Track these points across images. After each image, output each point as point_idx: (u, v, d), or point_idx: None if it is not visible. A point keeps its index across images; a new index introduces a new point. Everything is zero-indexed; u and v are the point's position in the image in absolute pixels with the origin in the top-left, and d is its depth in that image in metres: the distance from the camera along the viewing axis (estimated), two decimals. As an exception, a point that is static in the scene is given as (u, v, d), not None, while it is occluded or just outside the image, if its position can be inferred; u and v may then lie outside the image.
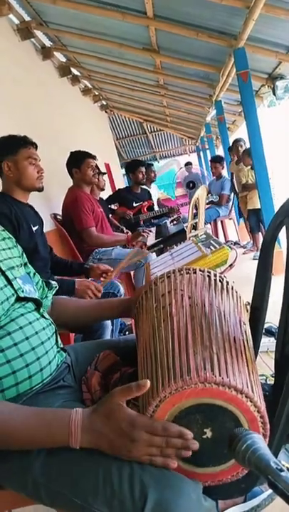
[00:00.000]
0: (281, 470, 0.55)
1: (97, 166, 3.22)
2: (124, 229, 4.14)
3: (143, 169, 4.46)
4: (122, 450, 0.72)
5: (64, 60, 5.40)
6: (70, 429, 0.73)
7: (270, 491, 1.25)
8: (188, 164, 9.71)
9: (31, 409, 0.80)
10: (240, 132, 6.82)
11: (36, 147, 2.02)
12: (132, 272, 3.30)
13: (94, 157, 3.14)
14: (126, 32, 4.21)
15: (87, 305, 1.25)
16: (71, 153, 3.16)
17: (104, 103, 8.51)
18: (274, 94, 4.70)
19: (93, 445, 0.73)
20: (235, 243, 5.56)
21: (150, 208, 4.63)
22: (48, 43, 4.62)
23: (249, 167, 4.93)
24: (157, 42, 4.29)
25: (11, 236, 1.08)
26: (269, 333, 2.35)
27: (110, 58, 5.09)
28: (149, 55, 4.57)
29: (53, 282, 1.13)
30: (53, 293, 1.16)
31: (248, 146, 4.56)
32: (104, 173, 3.98)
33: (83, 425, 0.73)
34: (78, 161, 3.08)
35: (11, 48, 3.49)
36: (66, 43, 4.87)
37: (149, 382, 0.70)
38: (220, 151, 8.13)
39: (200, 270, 1.03)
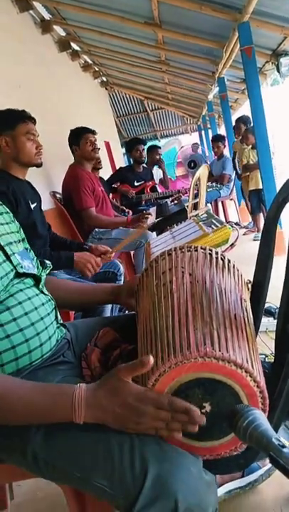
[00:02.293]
0: (283, 446, 0.55)
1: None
2: (125, 208, 4.11)
3: (141, 147, 4.39)
4: (129, 424, 0.72)
5: (64, 34, 5.26)
6: (73, 404, 0.72)
7: (267, 466, 1.28)
8: (195, 144, 9.61)
9: (34, 384, 0.79)
10: (242, 111, 6.70)
11: (35, 122, 1.97)
12: (132, 252, 3.29)
13: (93, 132, 3.06)
14: (127, 5, 4.09)
15: (78, 288, 1.23)
16: (71, 130, 3.10)
17: (105, 79, 8.36)
18: (278, 71, 4.61)
19: (98, 420, 0.73)
20: (236, 224, 5.53)
21: (153, 189, 4.59)
22: (47, 16, 4.50)
23: (250, 147, 4.86)
24: (160, 16, 4.17)
25: (8, 211, 1.06)
26: (268, 313, 2.35)
27: (111, 32, 4.96)
28: (151, 29, 4.46)
29: (48, 262, 1.12)
30: (47, 272, 1.15)
31: (251, 125, 4.50)
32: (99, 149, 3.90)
33: (87, 401, 0.72)
34: (77, 137, 3.02)
35: (9, 20, 3.39)
36: (66, 16, 4.74)
37: (152, 358, 0.70)
38: (222, 130, 8.02)
39: (201, 248, 1.01)
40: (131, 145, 4.49)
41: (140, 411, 0.70)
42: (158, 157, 5.11)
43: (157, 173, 5.54)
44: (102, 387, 0.74)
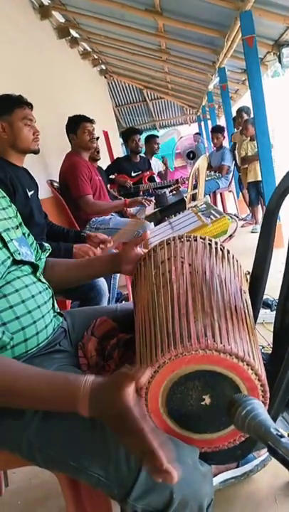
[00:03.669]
0: (281, 436, 0.54)
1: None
2: (123, 198, 4.09)
3: (137, 137, 4.35)
4: (114, 434, 0.69)
5: (63, 20, 5.18)
6: (79, 396, 0.69)
7: (262, 457, 1.28)
8: (197, 134, 9.55)
9: (41, 370, 0.78)
10: (243, 102, 6.65)
11: (32, 107, 1.94)
12: (129, 242, 3.27)
13: (91, 121, 3.02)
14: (128, -9, 4.03)
15: (75, 264, 1.23)
16: (69, 118, 3.06)
17: (104, 67, 8.25)
18: (279, 62, 4.57)
19: (96, 416, 0.70)
20: (234, 215, 5.50)
21: (151, 179, 4.56)
22: (46, 1, 4.42)
23: (248, 139, 4.83)
24: (160, 3, 4.11)
25: (5, 195, 1.04)
26: (265, 305, 2.35)
27: (111, 20, 4.88)
28: (151, 16, 4.39)
29: (46, 244, 1.11)
30: (47, 255, 1.13)
31: (252, 116, 4.46)
32: (98, 138, 3.86)
33: (91, 395, 0.69)
34: (75, 125, 2.98)
35: (7, 5, 3.32)
36: (65, 1, 4.66)
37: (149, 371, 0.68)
38: (221, 121, 7.97)
39: (201, 238, 1.00)
40: (127, 135, 4.45)
41: (120, 430, 0.66)
42: (156, 146, 5.07)
43: (156, 164, 5.50)
44: (105, 386, 0.69)
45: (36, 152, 1.99)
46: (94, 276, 1.46)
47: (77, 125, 2.97)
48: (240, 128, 5.24)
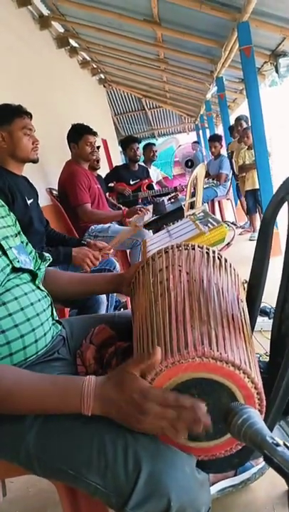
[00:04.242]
0: (277, 445, 0.55)
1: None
2: (122, 207, 4.10)
3: (135, 146, 4.38)
4: (132, 421, 0.70)
5: (62, 30, 5.23)
6: (82, 396, 0.71)
7: (260, 465, 1.28)
8: (195, 143, 9.62)
9: (43, 375, 0.79)
10: (240, 111, 6.71)
11: (31, 117, 1.96)
12: (128, 251, 3.29)
13: (94, 133, 3.04)
14: (127, 2, 4.07)
15: (79, 278, 1.23)
16: (72, 125, 3.06)
17: (103, 77, 8.33)
18: (276, 71, 4.61)
19: (104, 413, 0.72)
20: (232, 223, 5.51)
21: (149, 187, 4.57)
22: (45, 12, 4.47)
23: (246, 147, 4.87)
24: (159, 13, 4.16)
25: (3, 204, 1.05)
26: (263, 312, 2.36)
27: (110, 30, 4.94)
28: (150, 27, 4.44)
29: (47, 254, 1.11)
30: (46, 265, 1.14)
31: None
32: (98, 147, 3.89)
33: (95, 392, 0.71)
34: (77, 135, 2.99)
35: (7, 15, 3.37)
36: (64, 12, 4.72)
37: (159, 350, 0.68)
38: (219, 130, 8.01)
39: (198, 246, 1.01)
40: (125, 144, 4.48)
41: (144, 408, 0.68)
42: (152, 154, 5.11)
43: (155, 173, 5.53)
44: (110, 380, 0.73)
45: (35, 161, 2.00)
46: (96, 293, 1.46)
47: (79, 136, 2.98)
48: (238, 136, 5.28)
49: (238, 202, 6.04)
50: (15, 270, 0.93)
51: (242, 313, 0.82)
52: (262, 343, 1.71)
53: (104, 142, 7.02)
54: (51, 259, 1.14)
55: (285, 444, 0.55)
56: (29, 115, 1.95)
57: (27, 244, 1.10)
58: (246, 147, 4.86)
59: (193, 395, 0.70)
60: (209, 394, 0.70)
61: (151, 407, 0.68)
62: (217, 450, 0.76)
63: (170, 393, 0.69)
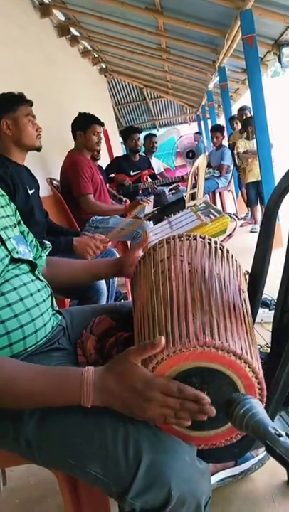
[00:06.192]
0: (279, 435, 0.54)
1: None
2: (123, 197, 4.08)
3: (136, 136, 4.34)
4: (136, 410, 0.69)
5: (63, 18, 5.17)
6: (82, 387, 0.70)
7: (260, 455, 1.28)
8: (197, 133, 9.57)
9: (42, 367, 0.78)
10: (243, 101, 6.64)
11: (32, 105, 1.95)
12: (128, 242, 3.28)
13: (102, 124, 3.02)
14: (128, -11, 4.02)
15: (81, 264, 1.24)
16: (79, 113, 3.03)
17: (104, 66, 8.24)
18: (279, 61, 4.57)
19: (105, 403, 0.71)
20: (234, 215, 5.49)
21: (152, 177, 4.54)
22: (46, -1, 4.41)
23: (244, 136, 4.86)
24: (161, 2, 4.11)
25: (3, 193, 1.04)
26: (264, 304, 2.36)
27: (111, 18, 4.88)
28: (152, 15, 4.38)
29: (47, 242, 1.11)
30: (47, 253, 1.13)
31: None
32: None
33: (95, 384, 0.70)
34: (85, 124, 2.96)
35: (7, 2, 3.32)
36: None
37: (164, 339, 0.67)
38: (221, 121, 7.95)
39: (200, 237, 1.00)
40: (126, 134, 4.44)
41: (147, 397, 0.68)
42: (152, 145, 5.08)
43: (157, 164, 5.50)
44: (111, 369, 0.72)
45: (39, 149, 2.00)
46: (98, 278, 1.46)
47: (87, 124, 2.95)
48: (240, 127, 5.25)
49: (239, 193, 6.01)
50: (14, 261, 0.92)
51: (243, 304, 0.82)
52: (262, 334, 1.72)
53: (105, 132, 6.96)
54: (51, 246, 1.13)
55: (287, 435, 0.55)
56: (30, 103, 1.95)
57: (28, 233, 1.09)
58: (244, 136, 4.84)
59: (194, 384, 0.70)
60: (210, 383, 0.70)
61: (154, 395, 0.67)
62: (217, 439, 0.76)
63: (173, 383, 0.69)
